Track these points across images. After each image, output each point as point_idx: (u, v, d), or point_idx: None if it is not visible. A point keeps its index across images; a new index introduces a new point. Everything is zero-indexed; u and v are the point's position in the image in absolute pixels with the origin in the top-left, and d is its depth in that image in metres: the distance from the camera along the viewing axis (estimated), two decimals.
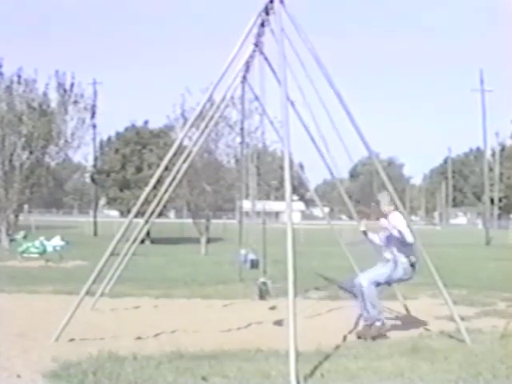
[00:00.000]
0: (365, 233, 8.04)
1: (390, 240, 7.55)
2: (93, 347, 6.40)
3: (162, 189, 8.88)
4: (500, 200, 68.47)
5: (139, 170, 33.51)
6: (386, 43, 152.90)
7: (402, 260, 7.43)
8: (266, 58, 8.74)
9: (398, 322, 8.47)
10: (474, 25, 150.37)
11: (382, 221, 7.54)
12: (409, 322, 8.59)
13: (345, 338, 7.48)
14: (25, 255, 17.67)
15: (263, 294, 10.25)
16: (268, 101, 9.67)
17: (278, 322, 7.85)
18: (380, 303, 7.55)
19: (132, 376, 5.43)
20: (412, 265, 7.45)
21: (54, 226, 38.62)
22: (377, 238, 7.92)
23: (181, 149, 8.64)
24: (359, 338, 7.31)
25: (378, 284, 7.42)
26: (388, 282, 7.73)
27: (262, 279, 10.37)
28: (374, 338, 7.17)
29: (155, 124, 35.81)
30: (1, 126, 24.05)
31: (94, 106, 29.00)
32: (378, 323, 7.35)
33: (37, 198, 35.76)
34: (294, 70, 7.49)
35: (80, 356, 6.02)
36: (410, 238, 7.28)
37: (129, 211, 11.17)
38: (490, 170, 59.81)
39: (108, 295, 9.74)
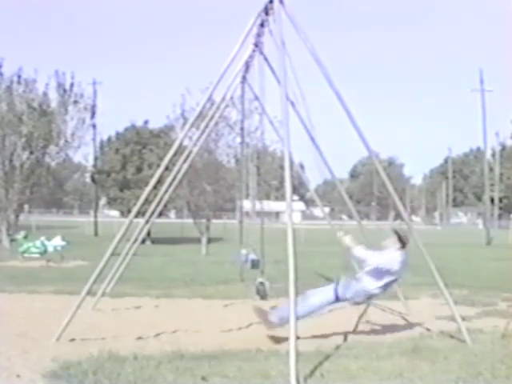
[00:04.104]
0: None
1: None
2: (93, 347, 6.40)
3: (163, 189, 8.88)
4: (500, 200, 68.45)
5: (139, 170, 33.46)
6: (386, 43, 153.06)
7: (367, 285, 6.98)
8: (265, 58, 8.73)
9: None
10: (474, 25, 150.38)
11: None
12: None
13: (345, 337, 7.48)
14: (25, 255, 17.66)
15: (261, 295, 10.21)
16: (268, 101, 9.67)
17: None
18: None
19: (132, 376, 5.43)
20: (370, 296, 7.09)
21: (54, 226, 38.60)
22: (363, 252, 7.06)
23: (181, 149, 8.64)
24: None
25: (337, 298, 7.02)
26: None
27: (259, 279, 10.34)
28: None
29: (155, 124, 35.78)
30: (1, 126, 24.05)
31: (94, 106, 29.05)
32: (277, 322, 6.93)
33: (37, 198, 35.79)
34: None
35: (80, 356, 6.02)
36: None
37: (129, 211, 11.17)
38: (491, 170, 59.80)
39: (109, 295, 9.75)
